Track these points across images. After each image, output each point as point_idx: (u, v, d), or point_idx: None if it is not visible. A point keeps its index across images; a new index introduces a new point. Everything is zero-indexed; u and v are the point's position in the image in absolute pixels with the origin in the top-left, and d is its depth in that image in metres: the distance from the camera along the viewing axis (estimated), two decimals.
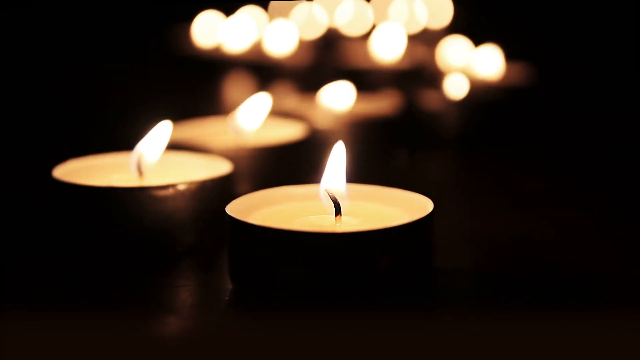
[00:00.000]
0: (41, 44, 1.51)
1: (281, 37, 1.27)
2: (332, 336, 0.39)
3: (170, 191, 0.49)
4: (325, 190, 0.46)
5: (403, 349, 0.38)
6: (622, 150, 0.81)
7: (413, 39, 1.40)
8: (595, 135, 0.87)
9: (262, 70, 1.23)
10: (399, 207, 0.47)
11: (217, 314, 0.43)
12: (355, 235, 0.41)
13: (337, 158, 0.47)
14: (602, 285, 0.46)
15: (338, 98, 0.75)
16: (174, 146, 0.58)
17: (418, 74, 0.99)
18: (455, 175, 0.74)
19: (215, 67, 1.30)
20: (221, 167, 0.54)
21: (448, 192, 0.67)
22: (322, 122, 0.72)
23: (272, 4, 1.60)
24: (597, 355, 0.38)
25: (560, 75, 1.18)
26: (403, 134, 0.79)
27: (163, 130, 0.54)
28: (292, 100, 0.83)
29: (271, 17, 1.49)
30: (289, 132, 0.66)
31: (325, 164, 0.47)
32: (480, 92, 0.82)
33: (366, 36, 1.33)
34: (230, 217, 0.44)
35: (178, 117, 0.69)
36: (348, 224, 0.46)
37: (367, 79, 1.00)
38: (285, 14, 1.53)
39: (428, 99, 0.80)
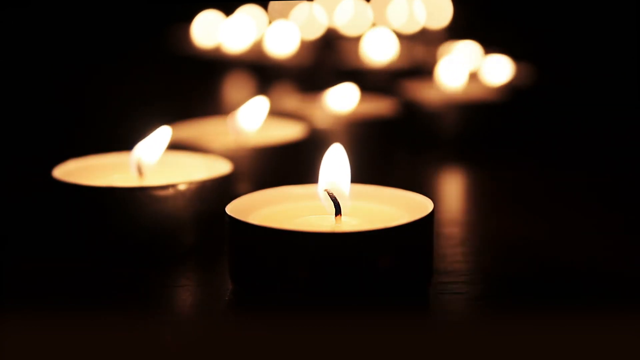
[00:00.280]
0: (41, 43, 1.52)
1: (281, 37, 1.27)
2: (332, 336, 0.39)
3: (171, 191, 0.49)
4: (325, 190, 0.46)
5: (403, 349, 0.38)
6: (622, 150, 0.81)
7: (412, 38, 1.40)
8: (595, 135, 0.87)
9: (262, 70, 1.23)
10: (399, 207, 0.47)
11: (217, 314, 0.43)
12: (355, 235, 0.41)
13: (337, 159, 0.47)
14: (602, 285, 0.46)
15: (341, 100, 0.75)
16: (174, 146, 0.58)
17: (417, 73, 0.99)
18: (456, 176, 0.74)
19: (215, 67, 1.30)
20: (221, 167, 0.54)
21: (448, 193, 0.67)
22: (322, 122, 0.72)
23: (271, 4, 1.60)
24: (597, 355, 0.38)
25: (560, 75, 1.18)
26: (403, 134, 0.79)
27: (162, 135, 0.54)
28: (292, 101, 0.83)
29: (271, 18, 1.49)
30: (289, 132, 0.66)
31: (323, 164, 0.47)
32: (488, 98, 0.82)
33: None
34: (230, 217, 0.44)
35: (178, 117, 0.69)
36: (348, 224, 0.46)
37: (366, 79, 1.00)
38: (285, 14, 1.53)
39: (428, 99, 0.80)
